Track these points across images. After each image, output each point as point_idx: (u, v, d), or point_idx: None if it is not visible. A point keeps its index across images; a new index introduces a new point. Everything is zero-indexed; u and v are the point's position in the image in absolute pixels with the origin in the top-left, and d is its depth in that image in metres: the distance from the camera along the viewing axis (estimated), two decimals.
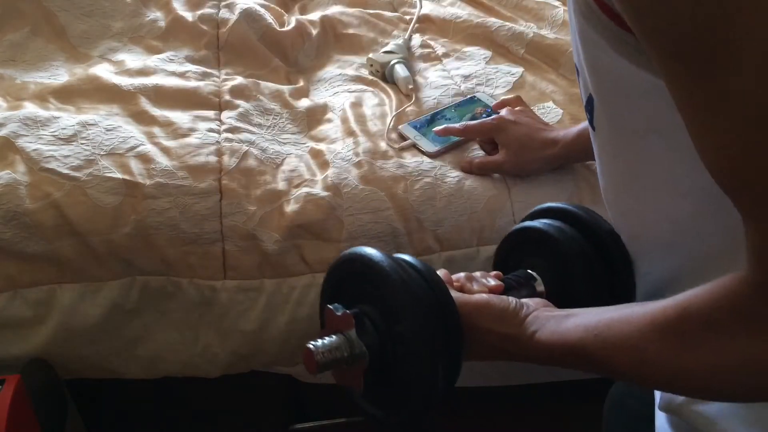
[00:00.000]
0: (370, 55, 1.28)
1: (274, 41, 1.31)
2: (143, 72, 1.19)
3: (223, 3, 1.37)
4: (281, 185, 1.01)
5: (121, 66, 1.21)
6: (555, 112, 1.17)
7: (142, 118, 1.09)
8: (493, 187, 1.03)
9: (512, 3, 1.42)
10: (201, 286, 0.98)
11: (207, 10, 1.35)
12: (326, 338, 0.62)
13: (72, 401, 1.04)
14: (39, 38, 1.27)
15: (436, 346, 0.60)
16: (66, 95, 1.13)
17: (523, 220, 0.80)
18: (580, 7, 0.53)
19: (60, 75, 1.19)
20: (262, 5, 1.37)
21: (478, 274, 0.72)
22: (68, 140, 1.01)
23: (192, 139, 1.05)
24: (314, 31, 1.35)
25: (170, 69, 1.21)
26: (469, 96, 1.19)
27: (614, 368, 0.55)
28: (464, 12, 1.40)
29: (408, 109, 1.16)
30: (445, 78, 1.24)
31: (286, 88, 1.22)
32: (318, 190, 1.00)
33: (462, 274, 0.72)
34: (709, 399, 0.55)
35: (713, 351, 0.47)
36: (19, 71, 1.20)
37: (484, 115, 1.13)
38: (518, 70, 1.27)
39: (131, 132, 1.04)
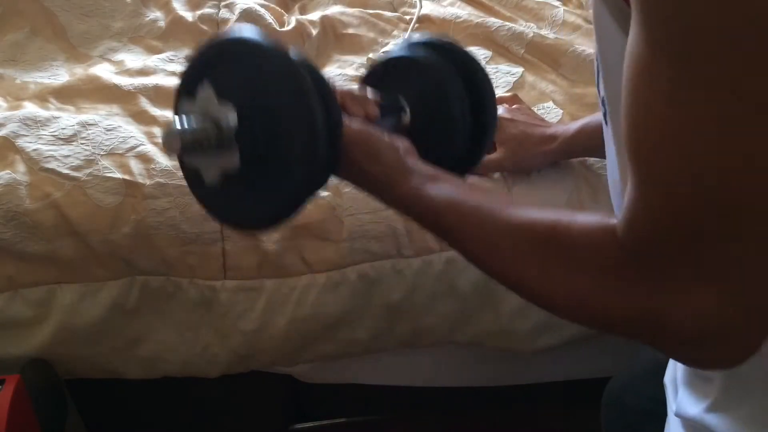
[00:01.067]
0: (370, 55, 1.28)
1: None
2: (143, 72, 1.19)
3: (223, 3, 1.37)
4: None
5: (121, 66, 1.21)
6: (555, 112, 1.17)
7: (142, 118, 1.09)
8: (493, 187, 1.03)
9: (512, 3, 1.42)
10: (201, 286, 0.98)
11: (207, 10, 1.35)
12: (191, 117, 0.58)
13: (72, 401, 1.04)
14: (39, 38, 1.27)
15: (317, 126, 0.57)
16: (66, 95, 1.13)
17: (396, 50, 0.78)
18: None
19: (60, 75, 1.19)
20: (262, 5, 1.37)
21: (357, 91, 0.70)
22: (68, 140, 1.01)
23: None
24: (314, 31, 1.35)
25: (170, 69, 1.21)
26: None
27: (465, 250, 0.57)
28: (464, 12, 1.40)
29: None
30: None
31: None
32: None
33: (344, 88, 0.69)
34: (547, 311, 0.56)
35: (560, 279, 0.50)
36: (19, 71, 1.20)
37: None
38: (518, 70, 1.27)
39: (131, 132, 1.04)
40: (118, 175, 0.97)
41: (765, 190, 0.41)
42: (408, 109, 0.73)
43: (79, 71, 1.19)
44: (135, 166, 0.99)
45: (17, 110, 1.07)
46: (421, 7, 1.43)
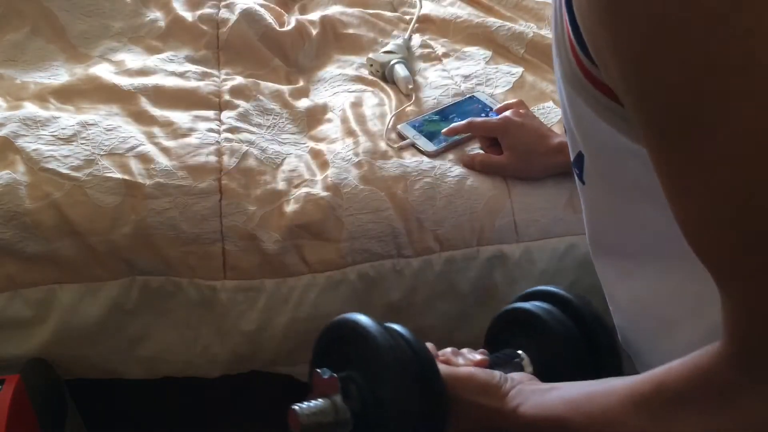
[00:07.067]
0: (370, 55, 1.28)
1: (274, 41, 1.31)
2: (143, 72, 1.19)
3: (223, 3, 1.37)
4: (281, 185, 1.01)
5: (121, 66, 1.22)
6: (555, 112, 1.17)
7: (142, 118, 1.09)
8: (493, 187, 1.03)
9: (512, 3, 1.42)
10: (201, 286, 0.98)
11: (207, 10, 1.35)
12: (312, 401, 0.62)
13: (72, 401, 1.04)
14: (39, 38, 1.27)
15: (415, 411, 0.60)
16: (66, 95, 1.13)
17: (514, 301, 0.79)
18: (567, 76, 0.53)
19: (60, 75, 1.19)
20: (262, 5, 1.37)
21: (465, 350, 0.72)
22: (68, 140, 1.01)
23: (192, 139, 1.05)
24: (314, 31, 1.35)
25: (170, 69, 1.21)
26: (468, 96, 1.19)
27: None
28: (464, 12, 1.40)
29: (408, 109, 1.16)
30: (445, 78, 1.24)
31: (286, 88, 1.22)
32: (318, 190, 1.00)
33: (449, 349, 0.71)
34: None
35: (687, 426, 0.48)
36: (19, 71, 1.20)
37: (482, 115, 1.13)
38: (518, 69, 1.27)
39: (131, 132, 1.05)
40: (118, 175, 0.97)
41: None
42: (528, 360, 0.72)
43: (79, 71, 1.19)
44: (135, 166, 0.99)
45: (17, 110, 1.07)
46: (421, 7, 1.43)
